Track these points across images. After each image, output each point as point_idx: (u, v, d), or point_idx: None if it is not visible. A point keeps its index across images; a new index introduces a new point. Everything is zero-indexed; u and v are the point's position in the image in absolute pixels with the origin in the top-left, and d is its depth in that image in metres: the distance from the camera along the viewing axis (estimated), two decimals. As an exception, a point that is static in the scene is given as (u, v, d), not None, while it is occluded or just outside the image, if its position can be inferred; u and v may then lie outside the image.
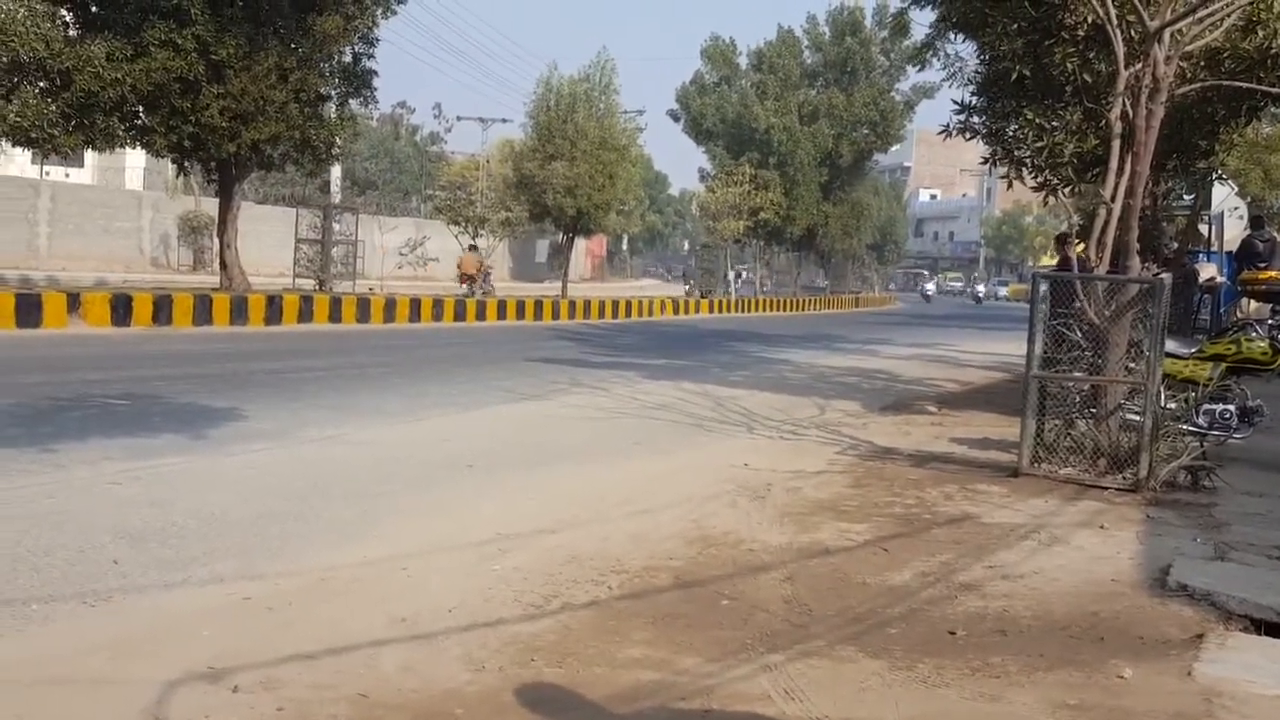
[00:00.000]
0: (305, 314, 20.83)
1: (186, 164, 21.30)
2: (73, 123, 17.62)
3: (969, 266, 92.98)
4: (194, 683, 3.70)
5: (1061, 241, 12.48)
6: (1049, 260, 64.10)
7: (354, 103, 22.86)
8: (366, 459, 7.78)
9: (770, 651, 4.19)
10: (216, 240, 23.23)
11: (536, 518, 6.23)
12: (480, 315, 25.48)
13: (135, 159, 39.37)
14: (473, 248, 31.00)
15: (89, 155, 35.89)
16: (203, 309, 18.65)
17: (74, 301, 16.87)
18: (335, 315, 21.54)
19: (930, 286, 71.12)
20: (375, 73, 22.27)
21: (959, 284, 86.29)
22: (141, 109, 18.94)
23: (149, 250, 35.55)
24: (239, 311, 19.31)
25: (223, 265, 21.62)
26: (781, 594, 4.94)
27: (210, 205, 30.66)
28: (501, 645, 4.16)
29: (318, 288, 24.27)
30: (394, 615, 4.45)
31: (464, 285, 29.48)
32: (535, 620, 4.47)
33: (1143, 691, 3.89)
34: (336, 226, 25.38)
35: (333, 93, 22.08)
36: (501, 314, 26.20)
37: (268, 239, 34.60)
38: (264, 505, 6.20)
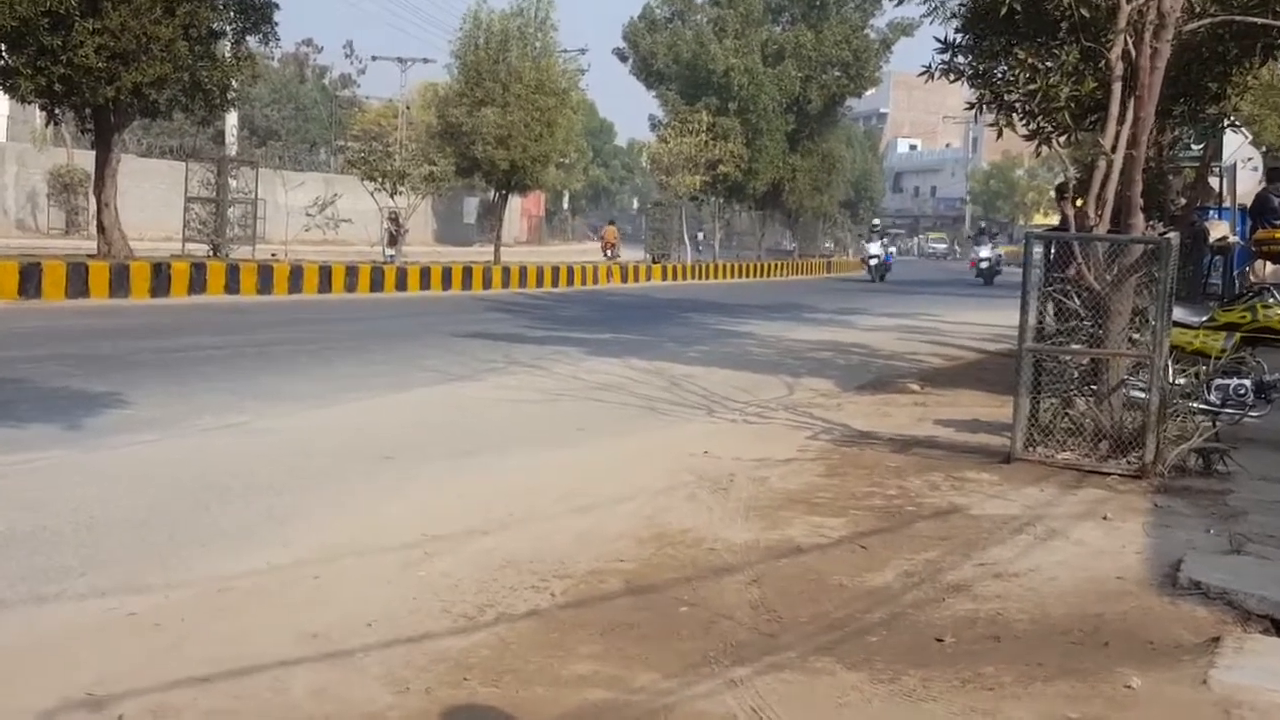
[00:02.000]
0: (197, 284, 20.54)
1: (57, 111, 20.85)
2: (-78, 64, 17.20)
3: (953, 226, 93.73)
4: (72, 711, 3.65)
5: (1061, 193, 12.56)
6: (1043, 219, 64.50)
7: (252, 40, 22.46)
8: (270, 450, 7.70)
9: (736, 664, 4.21)
10: (93, 199, 22.81)
11: (467, 516, 6.20)
12: (400, 285, 25.30)
13: (-3, 106, 38.58)
14: (611, 221, 41.32)
15: (-58, 102, 35.14)
16: (77, 279, 18.31)
17: (-74, 271, 16.52)
18: (233, 285, 21.27)
19: (875, 247, 45.06)
20: (277, 5, 21.93)
21: (942, 245, 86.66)
22: (4, 48, 18.50)
23: (14, 211, 34.90)
24: (120, 281, 18.99)
25: (100, 228, 21.23)
26: (748, 599, 4.96)
27: (85, 159, 30.14)
28: (429, 663, 4.14)
29: (212, 254, 23.93)
30: (304, 630, 4.41)
31: (606, 253, 38.21)
32: (467, 634, 4.45)
33: (1152, 702, 3.95)
34: (233, 183, 25.01)
35: (227, 29, 21.70)
36: (425, 283, 26.02)
37: (153, 197, 34.09)
38: (151, 505, 6.12)
